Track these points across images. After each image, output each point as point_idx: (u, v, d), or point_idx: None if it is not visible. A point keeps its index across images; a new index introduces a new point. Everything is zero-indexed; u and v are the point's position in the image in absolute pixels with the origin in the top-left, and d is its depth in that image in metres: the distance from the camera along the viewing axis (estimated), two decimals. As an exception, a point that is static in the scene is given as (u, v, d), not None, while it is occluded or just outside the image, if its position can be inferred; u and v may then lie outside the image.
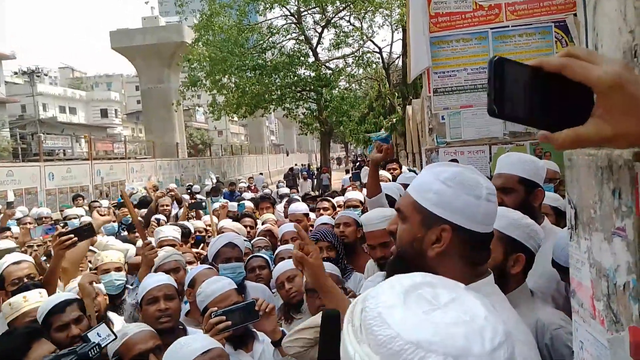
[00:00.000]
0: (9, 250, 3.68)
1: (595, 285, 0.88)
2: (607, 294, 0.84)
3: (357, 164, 28.94)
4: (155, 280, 2.46)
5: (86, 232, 3.07)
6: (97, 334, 1.86)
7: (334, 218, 4.21)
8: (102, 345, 1.79)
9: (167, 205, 6.49)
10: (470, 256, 1.23)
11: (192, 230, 4.89)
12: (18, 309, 2.50)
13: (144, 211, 7.21)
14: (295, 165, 34.56)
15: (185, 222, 5.23)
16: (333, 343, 1.17)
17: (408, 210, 1.25)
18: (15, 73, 46.17)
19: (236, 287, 2.37)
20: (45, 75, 62.55)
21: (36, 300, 2.54)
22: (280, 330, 2.07)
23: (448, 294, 0.73)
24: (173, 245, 3.76)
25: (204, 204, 6.58)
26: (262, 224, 4.95)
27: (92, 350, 1.67)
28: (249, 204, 6.62)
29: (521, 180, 2.17)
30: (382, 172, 6.02)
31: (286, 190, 10.93)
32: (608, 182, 0.82)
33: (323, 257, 2.34)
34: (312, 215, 4.89)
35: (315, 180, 24.61)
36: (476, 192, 1.20)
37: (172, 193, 8.03)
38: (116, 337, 1.92)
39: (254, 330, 2.24)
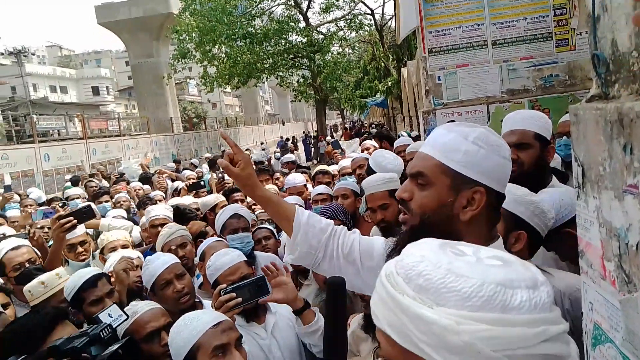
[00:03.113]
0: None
1: (606, 245, 0.85)
2: (618, 254, 0.81)
3: (354, 130, 28.74)
4: (161, 263, 2.40)
5: (85, 214, 3.03)
6: (109, 314, 1.83)
7: (332, 187, 4.18)
8: (114, 326, 1.77)
9: (163, 183, 6.42)
10: (491, 218, 1.19)
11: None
12: (39, 295, 2.49)
13: (146, 187, 7.20)
14: (306, 133, 33.72)
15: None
16: (340, 309, 1.15)
17: (433, 174, 1.17)
18: (2, 54, 45.26)
19: (246, 259, 2.35)
20: (33, 54, 61.52)
21: (57, 284, 2.52)
22: (302, 299, 2.03)
23: (467, 248, 0.74)
24: (165, 225, 3.69)
25: (202, 182, 6.52)
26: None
27: (103, 332, 1.65)
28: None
29: (537, 136, 2.11)
30: (367, 142, 5.97)
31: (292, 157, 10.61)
32: (618, 137, 0.77)
33: None
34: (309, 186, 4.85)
35: (312, 149, 24.49)
36: (502, 152, 1.17)
37: (166, 174, 8.03)
38: (128, 317, 1.89)
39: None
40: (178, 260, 2.51)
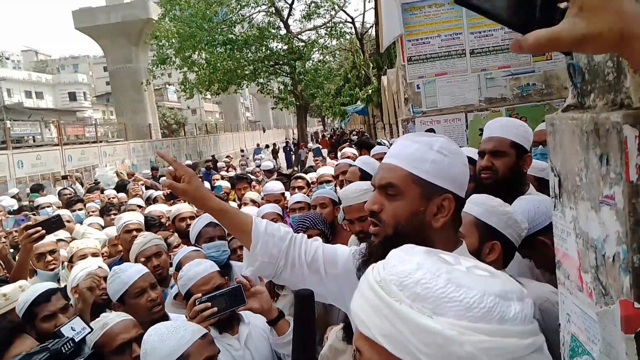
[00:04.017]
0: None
1: (582, 256, 0.84)
2: (595, 265, 0.80)
3: (334, 137, 28.76)
4: (135, 271, 2.36)
5: (54, 224, 2.96)
6: (71, 327, 1.78)
7: (309, 195, 4.15)
8: (77, 340, 1.71)
9: (138, 190, 6.34)
10: (456, 223, 1.25)
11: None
12: (2, 306, 2.39)
13: (122, 195, 7.05)
14: (287, 140, 33.47)
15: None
16: (308, 321, 1.13)
17: (404, 184, 1.19)
18: (-25, 58, 44.20)
19: (219, 269, 2.31)
20: (7, 59, 60.31)
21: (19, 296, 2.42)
22: (276, 309, 2.02)
23: (449, 257, 0.73)
24: (139, 230, 3.62)
25: None
26: (244, 204, 4.86)
27: (65, 346, 1.59)
28: (225, 185, 6.50)
29: (513, 144, 2.13)
30: (347, 149, 5.98)
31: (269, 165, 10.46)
32: (594, 148, 0.76)
33: None
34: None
35: (293, 156, 24.47)
36: (463, 160, 1.23)
37: (142, 182, 7.89)
38: (92, 330, 1.84)
39: (239, 312, 2.19)
40: (149, 271, 2.46)
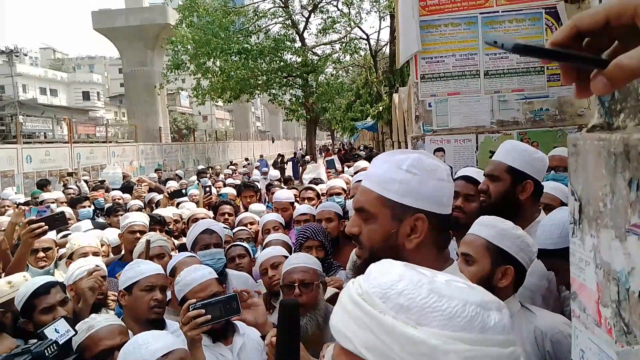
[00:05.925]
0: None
1: (602, 289, 0.78)
2: (616, 299, 0.73)
3: (342, 152, 28.73)
4: (152, 268, 2.37)
5: (58, 220, 2.93)
6: (55, 329, 1.74)
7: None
8: (60, 343, 1.65)
9: (142, 192, 6.35)
10: (439, 241, 1.21)
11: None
12: (3, 295, 2.36)
13: (127, 196, 7.02)
14: (299, 149, 33.34)
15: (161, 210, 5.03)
16: (292, 332, 1.10)
17: (374, 207, 1.17)
18: (-7, 52, 44.81)
19: (217, 276, 2.27)
20: (25, 55, 61.06)
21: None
22: (272, 324, 1.97)
23: (425, 270, 0.73)
24: (143, 232, 3.59)
25: (183, 191, 6.40)
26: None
27: (48, 349, 1.54)
28: (230, 192, 6.46)
29: (510, 170, 2.08)
30: (360, 162, 5.93)
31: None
32: (623, 172, 0.70)
33: None
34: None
35: (300, 169, 24.44)
36: (438, 175, 1.17)
37: (146, 183, 7.90)
38: (76, 332, 1.80)
39: (234, 322, 2.15)
40: (165, 274, 2.46)
